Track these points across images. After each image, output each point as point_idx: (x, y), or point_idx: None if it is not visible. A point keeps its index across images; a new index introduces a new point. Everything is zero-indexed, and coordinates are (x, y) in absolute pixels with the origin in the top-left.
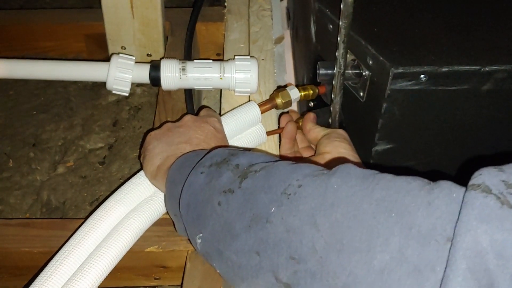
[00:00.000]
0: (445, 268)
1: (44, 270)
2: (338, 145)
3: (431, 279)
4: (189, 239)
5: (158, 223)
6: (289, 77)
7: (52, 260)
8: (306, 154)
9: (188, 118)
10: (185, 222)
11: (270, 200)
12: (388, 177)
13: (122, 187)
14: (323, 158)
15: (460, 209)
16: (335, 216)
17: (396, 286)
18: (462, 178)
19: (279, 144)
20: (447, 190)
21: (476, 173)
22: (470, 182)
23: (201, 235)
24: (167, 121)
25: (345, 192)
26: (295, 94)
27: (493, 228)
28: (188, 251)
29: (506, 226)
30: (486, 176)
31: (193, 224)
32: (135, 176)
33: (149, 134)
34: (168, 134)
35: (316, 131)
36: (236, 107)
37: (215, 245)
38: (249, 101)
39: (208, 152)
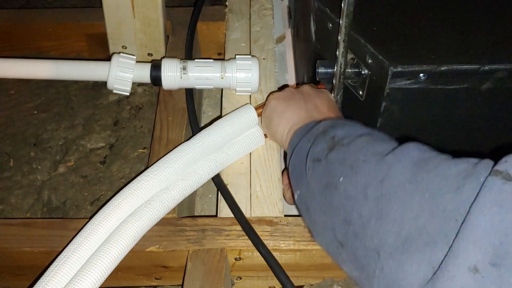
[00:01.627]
0: (451, 241)
1: (45, 272)
2: None
3: (444, 249)
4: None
5: (159, 223)
6: (290, 76)
7: (53, 262)
8: None
9: (308, 87)
10: (290, 179)
11: (341, 171)
12: (436, 160)
13: (123, 189)
14: None
15: (479, 192)
16: (381, 190)
17: (414, 252)
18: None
19: None
20: (478, 175)
21: (503, 159)
22: (495, 167)
23: (298, 192)
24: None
25: (395, 170)
26: None
27: (504, 211)
28: (188, 251)
29: None
30: (510, 163)
31: (294, 182)
32: (136, 179)
33: (273, 96)
34: (295, 99)
35: None
36: (232, 111)
37: (304, 202)
38: (246, 104)
39: (318, 122)
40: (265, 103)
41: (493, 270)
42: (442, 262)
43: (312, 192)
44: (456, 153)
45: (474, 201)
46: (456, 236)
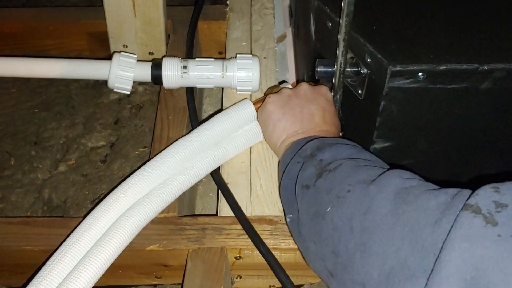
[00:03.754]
0: (429, 275)
1: (41, 269)
2: None
3: (423, 284)
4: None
5: (160, 221)
6: (291, 75)
7: (49, 259)
8: None
9: (306, 88)
10: (282, 201)
11: (328, 200)
12: (417, 191)
13: (120, 185)
14: None
15: (451, 227)
16: (365, 223)
17: (396, 287)
18: (460, 177)
19: None
20: (455, 208)
21: (475, 192)
22: (467, 201)
23: (291, 216)
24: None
25: (378, 202)
26: None
27: (474, 246)
28: (189, 249)
29: (485, 244)
30: (481, 196)
31: (286, 206)
32: (134, 173)
33: (270, 99)
34: (291, 105)
35: None
36: (230, 106)
37: (296, 227)
38: (245, 98)
39: (309, 141)
40: (263, 99)
41: None
42: None
43: (302, 219)
44: (443, 174)
45: (447, 236)
46: (431, 271)
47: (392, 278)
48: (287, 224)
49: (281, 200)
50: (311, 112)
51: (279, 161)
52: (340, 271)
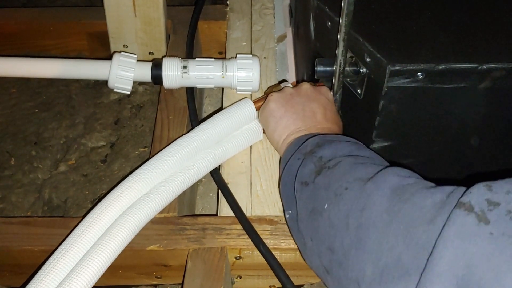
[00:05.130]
0: (421, 273)
1: (41, 269)
2: None
3: (416, 281)
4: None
5: (159, 221)
6: (291, 75)
7: (49, 259)
8: None
9: (307, 87)
10: (281, 197)
11: (326, 197)
12: (413, 189)
13: (120, 184)
14: None
15: (444, 225)
16: (361, 220)
17: (390, 284)
18: (458, 176)
19: None
20: (450, 206)
21: (468, 190)
22: (460, 199)
23: (290, 212)
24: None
25: (374, 200)
26: None
27: (466, 244)
28: (189, 249)
29: (477, 242)
30: (474, 195)
31: (285, 202)
32: (134, 172)
33: (272, 98)
34: (293, 103)
35: None
36: (231, 104)
37: (295, 224)
38: (245, 97)
39: (310, 137)
40: (263, 97)
41: None
42: None
43: (300, 216)
44: (442, 171)
45: (439, 234)
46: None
47: (386, 275)
48: (286, 221)
49: (280, 196)
50: (313, 110)
51: (280, 158)
52: (335, 268)
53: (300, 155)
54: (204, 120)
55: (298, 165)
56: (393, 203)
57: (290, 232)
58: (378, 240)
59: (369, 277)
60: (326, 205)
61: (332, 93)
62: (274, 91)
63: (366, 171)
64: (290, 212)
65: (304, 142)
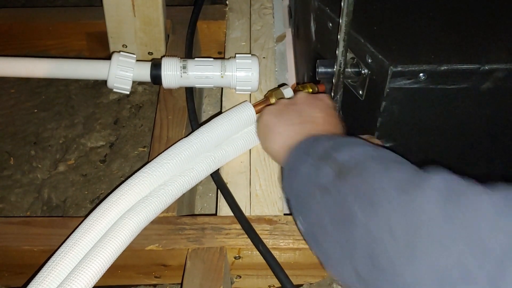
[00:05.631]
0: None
1: (41, 270)
2: None
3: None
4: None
5: (159, 221)
6: (291, 75)
7: (50, 259)
8: None
9: (303, 95)
10: (290, 205)
11: (357, 205)
12: (469, 192)
13: (120, 187)
14: None
15: None
16: (411, 229)
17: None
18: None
19: None
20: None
21: None
22: None
23: (301, 218)
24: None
25: (423, 207)
26: (288, 93)
27: None
28: (188, 249)
29: None
30: None
31: (296, 208)
32: (134, 175)
33: (265, 110)
34: (287, 112)
35: None
36: (231, 108)
37: (312, 232)
38: (245, 101)
39: (315, 139)
40: (263, 101)
41: None
42: None
43: (321, 223)
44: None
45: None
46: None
47: (447, 281)
48: (298, 228)
49: (288, 204)
50: (312, 115)
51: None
52: (376, 277)
53: (311, 160)
54: (204, 123)
55: (311, 170)
56: (449, 209)
57: (306, 240)
58: (437, 249)
59: (426, 284)
60: (359, 213)
61: (332, 94)
62: (268, 105)
63: (400, 174)
64: (302, 219)
65: (311, 144)
